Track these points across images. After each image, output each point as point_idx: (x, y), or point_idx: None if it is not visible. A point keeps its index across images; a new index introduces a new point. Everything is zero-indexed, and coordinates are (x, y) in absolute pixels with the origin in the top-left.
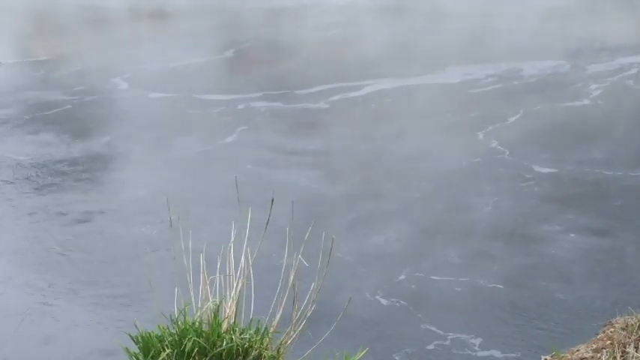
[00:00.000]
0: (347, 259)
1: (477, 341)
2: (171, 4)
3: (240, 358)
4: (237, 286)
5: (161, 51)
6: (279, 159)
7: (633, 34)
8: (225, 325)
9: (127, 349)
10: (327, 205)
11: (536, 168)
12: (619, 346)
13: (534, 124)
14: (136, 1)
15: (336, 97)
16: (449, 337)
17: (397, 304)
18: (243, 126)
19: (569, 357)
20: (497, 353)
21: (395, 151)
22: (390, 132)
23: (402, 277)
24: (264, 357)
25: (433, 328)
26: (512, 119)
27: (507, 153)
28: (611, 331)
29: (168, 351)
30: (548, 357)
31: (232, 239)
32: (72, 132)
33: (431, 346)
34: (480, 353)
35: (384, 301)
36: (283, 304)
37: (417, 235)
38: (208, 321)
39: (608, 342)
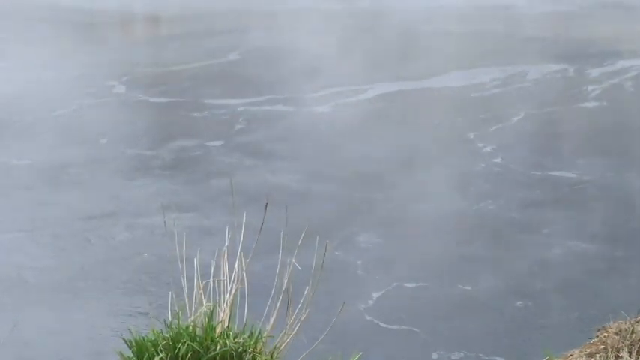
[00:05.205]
0: (344, 261)
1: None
2: (168, 8)
3: None
4: (231, 290)
5: (161, 53)
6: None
7: (633, 37)
8: (219, 329)
9: (120, 353)
10: (329, 208)
11: (539, 172)
12: (612, 350)
13: (537, 127)
14: (134, 6)
15: (340, 101)
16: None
17: (393, 309)
18: (245, 129)
19: None
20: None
21: (395, 153)
22: (391, 134)
23: (395, 283)
24: None
25: (427, 330)
26: (514, 121)
27: (508, 155)
28: (604, 336)
29: (161, 355)
30: None
31: (226, 243)
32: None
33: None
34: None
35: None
36: (277, 308)
37: (412, 237)
38: (202, 325)
39: (602, 346)
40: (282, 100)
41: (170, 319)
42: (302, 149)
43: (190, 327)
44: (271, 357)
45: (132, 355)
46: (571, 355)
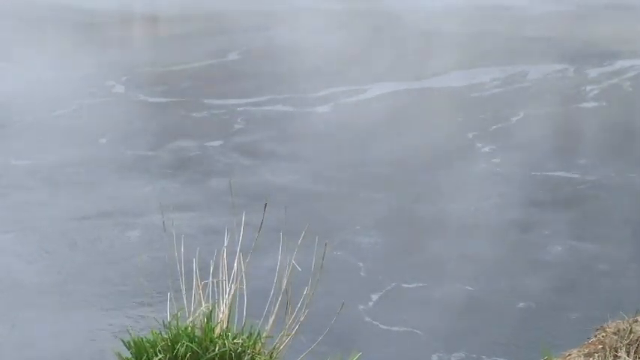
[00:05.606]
0: (344, 261)
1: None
2: (167, 9)
3: None
4: (230, 290)
5: (161, 53)
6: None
7: (633, 38)
8: (217, 330)
9: (119, 355)
10: (330, 208)
11: (539, 172)
12: (611, 350)
13: (537, 127)
14: (134, 6)
15: (340, 101)
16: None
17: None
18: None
19: None
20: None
21: (395, 153)
22: (391, 134)
23: (391, 283)
24: None
25: (423, 328)
26: (513, 121)
27: (508, 155)
28: (603, 336)
29: (160, 356)
30: None
31: (225, 244)
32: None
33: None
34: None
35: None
36: (276, 308)
37: (412, 238)
38: (201, 326)
39: (600, 346)
40: (282, 100)
41: (169, 319)
42: (302, 149)
43: (189, 328)
44: (270, 357)
45: (130, 356)
46: (569, 355)
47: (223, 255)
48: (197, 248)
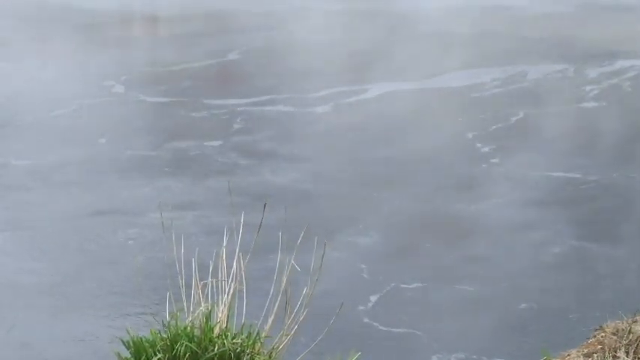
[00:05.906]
0: (344, 261)
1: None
2: (167, 9)
3: None
4: (229, 290)
5: (161, 53)
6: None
7: (632, 38)
8: (217, 330)
9: (118, 355)
10: (329, 208)
11: (538, 172)
12: (610, 350)
13: (536, 127)
14: (134, 6)
15: (340, 101)
16: (439, 341)
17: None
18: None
19: None
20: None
21: (393, 152)
22: (391, 134)
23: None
24: None
25: (423, 328)
26: (513, 121)
27: (507, 155)
28: (602, 336)
29: (159, 356)
30: None
31: (224, 243)
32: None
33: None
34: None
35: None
36: (275, 308)
37: (412, 238)
38: (200, 326)
39: (599, 347)
40: (282, 100)
41: (168, 319)
42: (302, 149)
43: (188, 327)
44: (269, 357)
45: (130, 356)
46: (568, 355)
47: (223, 255)
48: (197, 248)
